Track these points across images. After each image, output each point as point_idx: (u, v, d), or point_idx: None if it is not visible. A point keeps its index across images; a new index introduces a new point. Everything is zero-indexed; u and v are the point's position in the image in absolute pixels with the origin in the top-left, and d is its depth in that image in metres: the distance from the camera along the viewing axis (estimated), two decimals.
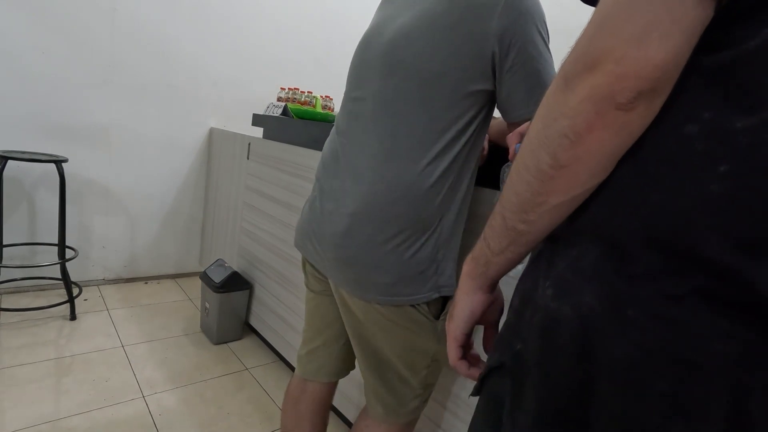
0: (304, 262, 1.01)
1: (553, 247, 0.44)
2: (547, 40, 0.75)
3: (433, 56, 0.75)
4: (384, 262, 0.79)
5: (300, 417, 1.05)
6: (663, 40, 0.32)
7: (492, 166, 1.00)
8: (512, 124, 0.78)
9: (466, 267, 0.51)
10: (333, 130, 0.94)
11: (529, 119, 0.44)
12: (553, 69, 0.76)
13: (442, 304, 0.86)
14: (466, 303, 0.51)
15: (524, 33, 0.71)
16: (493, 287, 0.53)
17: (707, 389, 0.32)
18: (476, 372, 0.53)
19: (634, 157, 0.37)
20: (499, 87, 0.75)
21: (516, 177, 0.42)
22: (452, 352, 0.54)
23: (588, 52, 0.35)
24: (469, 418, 1.06)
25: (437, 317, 0.85)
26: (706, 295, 0.33)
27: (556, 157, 0.38)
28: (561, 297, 0.40)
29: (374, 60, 0.83)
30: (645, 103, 0.34)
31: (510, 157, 0.71)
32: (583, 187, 0.39)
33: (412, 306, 0.82)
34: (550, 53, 0.76)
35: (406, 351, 0.87)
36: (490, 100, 0.78)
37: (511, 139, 0.72)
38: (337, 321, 0.99)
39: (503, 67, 0.73)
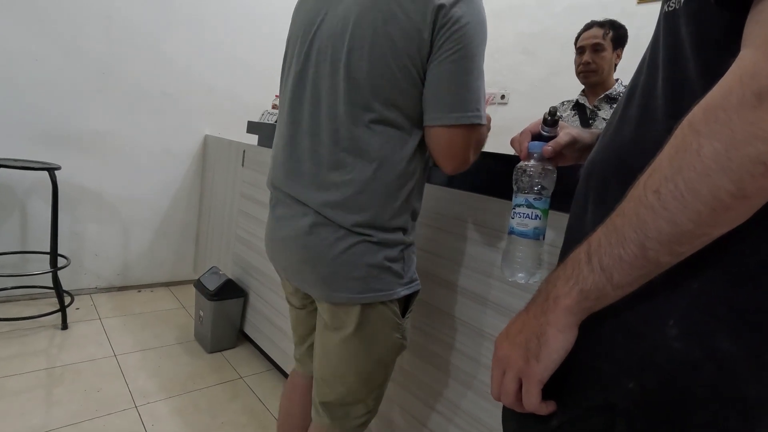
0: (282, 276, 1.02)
1: (662, 277, 0.39)
2: None
3: None
4: (351, 255, 0.78)
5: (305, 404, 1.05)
6: None
7: (494, 175, 1.00)
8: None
9: (567, 301, 0.42)
10: None
11: None
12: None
13: (405, 303, 0.87)
14: (561, 343, 0.43)
15: None
16: None
17: None
18: (553, 406, 0.47)
19: None
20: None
21: (674, 204, 0.35)
22: (535, 398, 0.45)
23: None
24: (457, 419, 1.06)
25: (403, 315, 0.86)
26: None
27: (742, 186, 0.32)
28: (689, 338, 0.38)
29: None
30: None
31: (523, 157, 0.68)
32: (746, 218, 0.34)
33: (383, 304, 0.81)
34: None
35: (370, 364, 0.86)
36: None
37: (520, 140, 0.70)
38: None
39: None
